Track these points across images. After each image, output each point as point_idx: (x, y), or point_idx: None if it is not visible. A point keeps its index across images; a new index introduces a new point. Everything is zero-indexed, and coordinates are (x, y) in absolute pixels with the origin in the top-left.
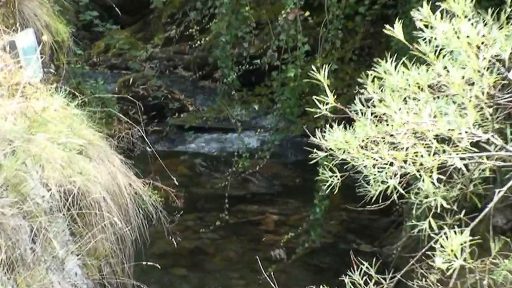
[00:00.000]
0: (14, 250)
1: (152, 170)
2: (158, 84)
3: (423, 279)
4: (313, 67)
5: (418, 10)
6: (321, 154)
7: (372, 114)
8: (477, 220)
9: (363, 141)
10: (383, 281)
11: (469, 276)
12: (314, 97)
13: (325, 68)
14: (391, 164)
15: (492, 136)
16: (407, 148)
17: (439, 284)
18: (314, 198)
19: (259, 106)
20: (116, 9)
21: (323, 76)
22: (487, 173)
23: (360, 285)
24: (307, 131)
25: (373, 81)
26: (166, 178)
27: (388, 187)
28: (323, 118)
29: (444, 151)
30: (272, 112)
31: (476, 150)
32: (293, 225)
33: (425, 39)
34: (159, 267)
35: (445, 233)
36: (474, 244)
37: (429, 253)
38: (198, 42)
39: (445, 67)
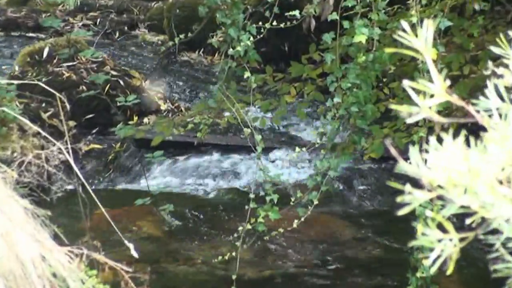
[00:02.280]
0: None
1: (87, 229)
2: (99, 58)
3: None
4: (403, 25)
5: None
6: (420, 195)
7: None
8: None
9: (503, 170)
10: None
11: None
12: (405, 83)
13: (427, 26)
14: None
15: None
16: None
17: None
18: (408, 286)
19: (299, 103)
20: None
21: (424, 42)
22: None
23: None
24: (391, 150)
25: None
26: (116, 244)
27: None
28: (423, 124)
29: None
30: (323, 114)
31: None
32: None
33: None
34: None
35: None
36: None
37: None
38: None
39: None
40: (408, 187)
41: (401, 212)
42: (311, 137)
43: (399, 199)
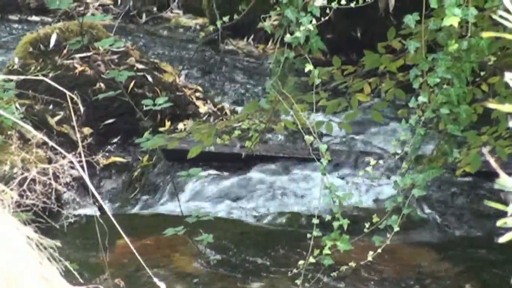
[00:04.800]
0: None
1: (106, 264)
2: (121, 48)
3: None
4: (507, 4)
5: None
6: None
7: None
8: None
9: None
10: None
11: None
12: (509, 77)
13: None
14: None
15: None
16: None
17: None
18: None
19: (375, 103)
20: None
21: None
22: None
23: None
24: (491, 163)
25: None
26: (143, 283)
27: None
28: None
29: None
30: (405, 118)
31: None
32: None
33: None
34: None
35: None
36: None
37: None
38: None
39: None
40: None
41: (503, 239)
42: (389, 147)
43: (500, 223)
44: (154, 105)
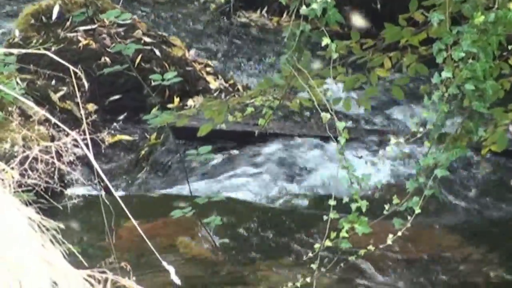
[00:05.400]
0: None
1: (112, 246)
2: (127, 20)
3: None
4: None
5: None
6: None
7: None
8: None
9: None
10: None
11: None
12: None
13: None
14: None
15: None
16: None
17: None
18: None
19: (396, 79)
20: None
21: None
22: None
23: None
24: None
25: None
26: (150, 267)
27: None
28: None
29: None
30: (427, 94)
31: None
32: None
33: None
34: None
35: None
36: None
37: None
38: None
39: None
40: None
41: None
42: (411, 125)
43: None
44: (163, 80)
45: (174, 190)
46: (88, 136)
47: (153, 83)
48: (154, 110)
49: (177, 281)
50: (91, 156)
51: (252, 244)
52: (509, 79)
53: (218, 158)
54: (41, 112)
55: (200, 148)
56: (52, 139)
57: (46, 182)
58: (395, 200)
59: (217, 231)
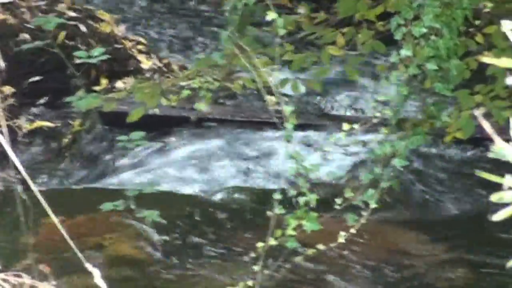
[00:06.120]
0: None
1: (31, 246)
2: None
3: None
4: None
5: None
6: None
7: None
8: None
9: None
10: None
11: None
12: (507, 25)
13: None
14: None
15: None
16: None
17: None
18: None
19: (350, 58)
20: None
21: None
22: None
23: None
24: (485, 128)
25: None
26: (74, 269)
27: None
28: None
29: None
30: (385, 75)
31: None
32: None
33: None
34: None
35: None
36: None
37: None
38: None
39: None
40: (509, 180)
41: (497, 217)
42: (366, 109)
43: (494, 197)
44: (89, 57)
45: (102, 183)
46: (3, 123)
47: (78, 61)
48: (78, 93)
49: (103, 285)
50: (6, 145)
51: (188, 243)
52: (475, 58)
53: (151, 147)
54: None
55: (132, 133)
56: None
57: None
58: (348, 193)
59: (152, 228)
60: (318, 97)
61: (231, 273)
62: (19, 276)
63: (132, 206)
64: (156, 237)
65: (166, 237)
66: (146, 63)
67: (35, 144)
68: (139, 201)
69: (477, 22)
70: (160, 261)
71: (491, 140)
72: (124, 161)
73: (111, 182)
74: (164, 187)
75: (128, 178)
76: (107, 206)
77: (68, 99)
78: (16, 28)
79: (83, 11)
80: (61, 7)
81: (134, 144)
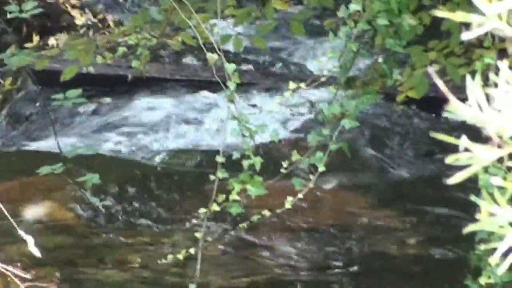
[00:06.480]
0: None
1: None
2: None
3: None
4: None
5: None
6: (484, 153)
7: None
8: None
9: None
10: None
11: None
12: None
13: None
14: None
15: None
16: None
17: None
18: None
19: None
20: None
21: None
22: None
23: None
24: (439, 86)
25: None
26: (6, 237)
27: None
28: (490, 44)
29: None
30: (332, 30)
31: None
32: None
33: None
34: None
35: None
36: None
37: None
38: None
39: None
40: (464, 141)
41: (453, 180)
42: (314, 67)
43: (450, 159)
44: (21, 12)
45: (36, 146)
46: None
47: (8, 16)
48: (9, 50)
49: (37, 253)
50: None
51: (130, 209)
52: (429, 12)
53: (88, 106)
54: None
55: (68, 92)
56: None
57: None
58: (295, 156)
59: (91, 193)
60: (263, 55)
61: (173, 240)
62: None
63: (71, 169)
64: (95, 202)
65: (105, 202)
66: (80, 19)
67: None
68: (77, 164)
69: None
70: (99, 227)
71: (446, 100)
72: (59, 122)
73: (46, 144)
74: (103, 149)
75: (64, 140)
76: (44, 169)
77: None
78: None
79: None
80: None
81: (71, 103)
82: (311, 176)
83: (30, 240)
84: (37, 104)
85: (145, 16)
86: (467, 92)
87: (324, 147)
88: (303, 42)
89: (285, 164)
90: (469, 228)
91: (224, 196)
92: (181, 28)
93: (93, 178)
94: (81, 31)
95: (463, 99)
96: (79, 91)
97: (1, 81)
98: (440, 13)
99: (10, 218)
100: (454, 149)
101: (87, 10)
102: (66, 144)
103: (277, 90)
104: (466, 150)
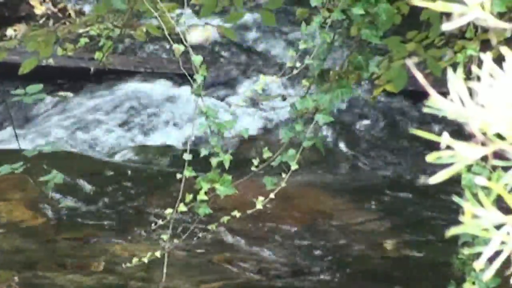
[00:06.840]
0: None
1: None
2: None
3: None
4: None
5: None
6: (467, 151)
7: None
8: None
9: None
10: None
11: None
12: None
13: None
14: None
15: None
16: None
17: None
18: None
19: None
20: None
21: None
22: None
23: None
24: (419, 79)
25: None
26: None
27: None
28: (473, 35)
29: None
30: (304, 20)
31: None
32: None
33: None
34: None
35: None
36: None
37: None
38: None
39: None
40: (446, 138)
41: (435, 180)
42: (285, 59)
43: (430, 158)
44: None
45: None
46: None
47: None
48: None
49: None
50: None
51: (93, 209)
52: (407, 1)
53: (49, 101)
54: None
55: (28, 87)
56: None
57: None
58: (266, 153)
59: (53, 192)
60: (232, 46)
61: (138, 242)
62: None
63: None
64: (56, 202)
65: (68, 203)
66: (39, 8)
67: None
68: (39, 162)
69: None
70: (60, 229)
71: (426, 94)
72: (18, 117)
73: (4, 141)
74: (65, 147)
75: (24, 137)
76: (4, 169)
77: None
78: None
79: None
80: None
81: (31, 98)
82: (283, 175)
83: None
84: None
85: (108, 5)
86: (448, 85)
87: (296, 144)
88: (275, 31)
89: (255, 161)
90: (452, 231)
91: (191, 196)
92: (146, 18)
93: (55, 177)
94: (41, 22)
95: (444, 93)
96: (40, 86)
97: None
98: (419, 2)
99: None
100: (437, 145)
101: None
102: (25, 140)
103: (247, 83)
104: (449, 147)
